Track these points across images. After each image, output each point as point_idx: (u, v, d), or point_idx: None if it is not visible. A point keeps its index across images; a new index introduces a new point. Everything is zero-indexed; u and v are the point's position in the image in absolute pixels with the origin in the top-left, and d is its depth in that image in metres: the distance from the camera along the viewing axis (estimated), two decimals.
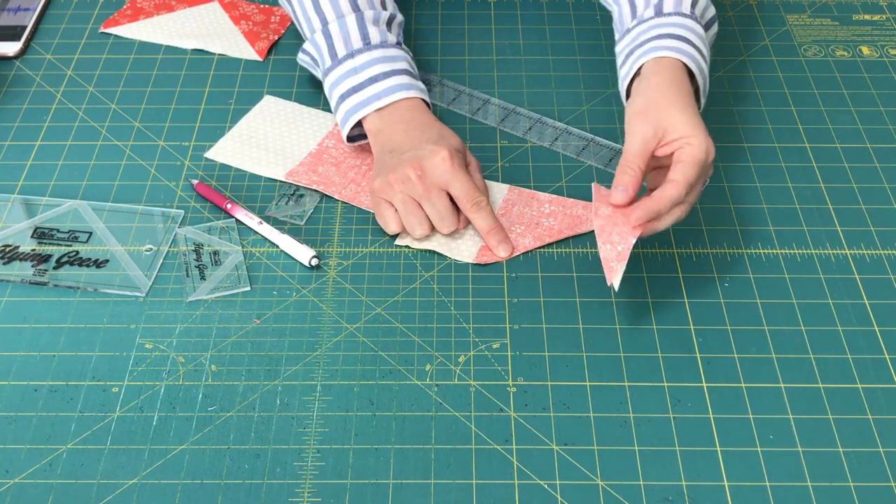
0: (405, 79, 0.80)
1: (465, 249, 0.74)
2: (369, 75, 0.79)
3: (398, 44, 0.83)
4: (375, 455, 0.62)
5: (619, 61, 0.79)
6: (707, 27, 0.80)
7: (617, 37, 0.82)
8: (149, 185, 0.80)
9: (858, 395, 0.65)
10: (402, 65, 0.81)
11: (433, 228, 0.75)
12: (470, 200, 0.73)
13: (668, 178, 0.67)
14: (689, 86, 0.73)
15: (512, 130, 0.85)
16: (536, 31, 0.97)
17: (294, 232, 0.75)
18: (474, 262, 0.73)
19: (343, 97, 0.79)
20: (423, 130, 0.77)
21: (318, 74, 0.84)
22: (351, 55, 0.80)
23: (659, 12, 0.77)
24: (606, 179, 0.79)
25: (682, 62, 0.73)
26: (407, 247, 0.74)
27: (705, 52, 0.76)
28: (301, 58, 0.86)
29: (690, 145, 0.68)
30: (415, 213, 0.74)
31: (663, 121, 0.69)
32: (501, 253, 0.73)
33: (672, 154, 0.68)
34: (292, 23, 0.97)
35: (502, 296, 0.71)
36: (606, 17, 0.98)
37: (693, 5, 0.78)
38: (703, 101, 0.77)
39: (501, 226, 0.74)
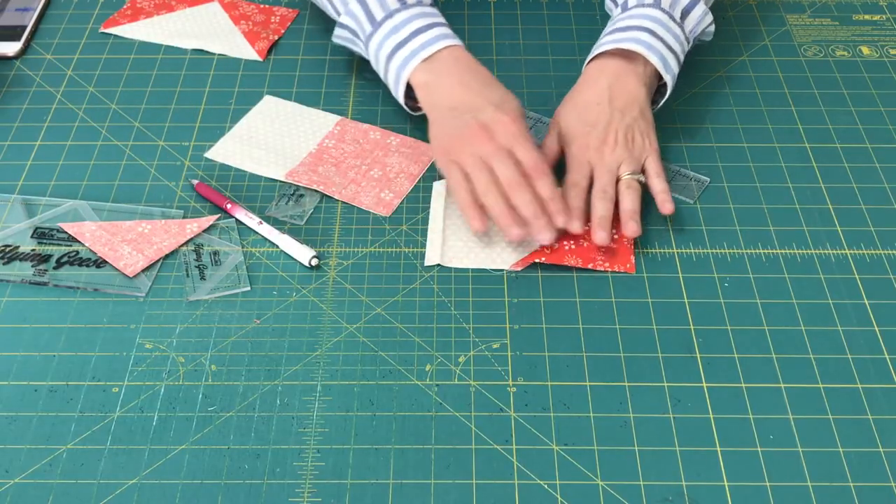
0: (445, 30, 0.80)
1: (500, 260, 0.73)
2: (411, 30, 0.79)
3: (433, 3, 0.83)
4: (375, 455, 0.62)
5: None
6: (685, 14, 0.83)
7: None
8: (149, 185, 0.80)
9: (858, 395, 0.65)
10: (441, 19, 0.81)
11: (503, 204, 0.72)
12: (532, 166, 0.73)
13: None
14: (603, 79, 0.79)
15: None
16: (536, 31, 0.97)
17: (294, 232, 0.75)
18: (511, 268, 0.73)
19: (390, 57, 0.80)
20: (483, 88, 0.77)
21: (359, 49, 0.85)
22: (390, 15, 0.80)
23: (624, 7, 0.84)
24: None
25: (608, 53, 0.80)
26: (440, 265, 0.73)
27: (659, 30, 0.80)
28: (337, 34, 0.86)
29: (566, 144, 0.79)
30: (486, 173, 0.73)
31: (556, 130, 0.80)
32: (558, 221, 0.72)
33: None
34: (292, 22, 0.97)
35: (502, 296, 0.71)
36: (606, 17, 0.98)
37: None
38: (666, 75, 0.80)
39: (560, 195, 0.73)
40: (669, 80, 0.80)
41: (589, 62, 0.82)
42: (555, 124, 0.80)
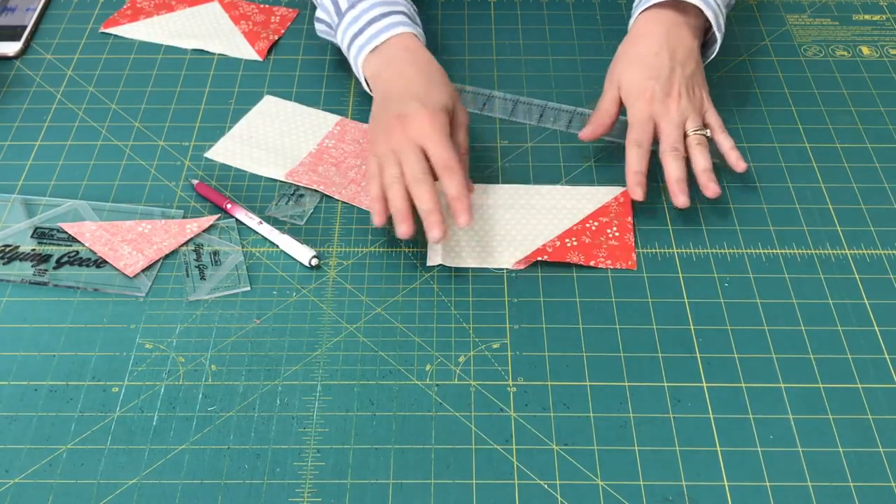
0: (400, 18, 0.80)
1: (501, 259, 0.73)
2: (367, 19, 0.80)
3: None
4: (375, 455, 0.62)
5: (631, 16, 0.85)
6: None
7: None
8: (149, 185, 0.80)
9: (858, 395, 0.65)
10: (401, 7, 0.81)
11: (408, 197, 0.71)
12: (442, 164, 0.70)
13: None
14: (660, 30, 0.78)
15: (524, 120, 0.86)
16: (536, 31, 0.97)
17: (294, 232, 0.75)
18: (513, 267, 0.73)
19: (349, 47, 0.81)
20: (414, 79, 0.75)
21: (335, 40, 0.86)
22: (352, 5, 0.81)
23: None
24: (607, 174, 0.80)
25: (663, 5, 0.79)
26: (440, 265, 0.73)
27: None
28: (318, 28, 0.88)
29: (627, 100, 0.77)
30: (395, 167, 0.71)
31: (614, 77, 0.79)
32: (460, 221, 0.69)
33: None
34: (292, 22, 0.97)
35: (502, 296, 0.71)
36: (606, 17, 0.98)
37: None
38: (717, 33, 0.80)
39: (468, 195, 0.70)
40: (720, 36, 0.80)
41: (638, 15, 0.81)
42: (612, 81, 0.79)
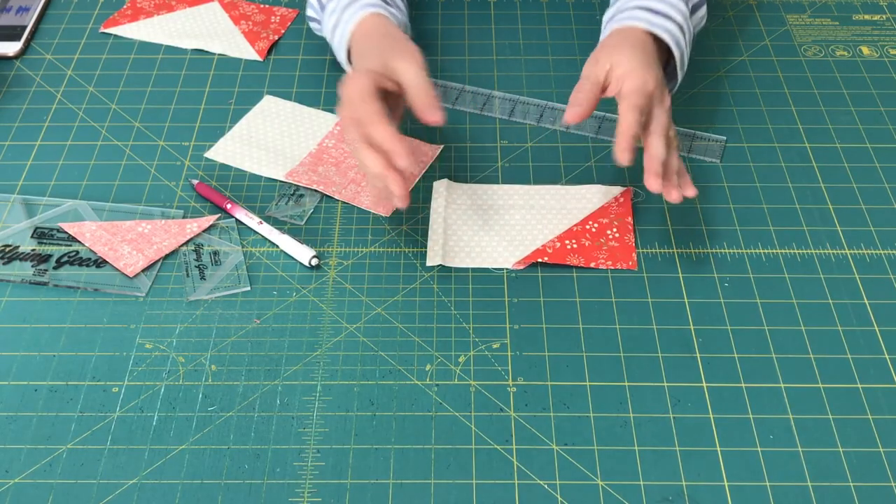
0: (370, 0, 0.79)
1: (501, 259, 0.73)
2: (341, 6, 0.80)
3: None
4: (375, 455, 0.62)
5: (602, 29, 0.81)
6: (694, 9, 0.82)
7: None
8: (149, 185, 0.80)
9: (858, 395, 0.65)
10: None
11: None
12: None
13: (619, 112, 0.69)
14: (649, 47, 0.74)
15: (523, 120, 0.86)
16: (536, 31, 0.97)
17: (294, 232, 0.75)
18: (513, 267, 0.73)
19: (332, 42, 0.82)
20: (360, 55, 0.76)
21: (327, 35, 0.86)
22: None
23: None
24: (607, 174, 0.80)
25: (646, 31, 0.75)
26: (440, 265, 0.73)
27: (684, 25, 0.78)
28: (312, 26, 0.89)
29: (630, 78, 0.70)
30: (356, 139, 0.69)
31: (611, 58, 0.72)
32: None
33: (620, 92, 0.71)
34: (292, 22, 0.97)
35: (502, 296, 0.71)
36: None
37: None
38: (679, 72, 0.78)
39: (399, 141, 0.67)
40: (681, 75, 0.79)
41: (618, 26, 0.76)
42: (603, 58, 0.72)
